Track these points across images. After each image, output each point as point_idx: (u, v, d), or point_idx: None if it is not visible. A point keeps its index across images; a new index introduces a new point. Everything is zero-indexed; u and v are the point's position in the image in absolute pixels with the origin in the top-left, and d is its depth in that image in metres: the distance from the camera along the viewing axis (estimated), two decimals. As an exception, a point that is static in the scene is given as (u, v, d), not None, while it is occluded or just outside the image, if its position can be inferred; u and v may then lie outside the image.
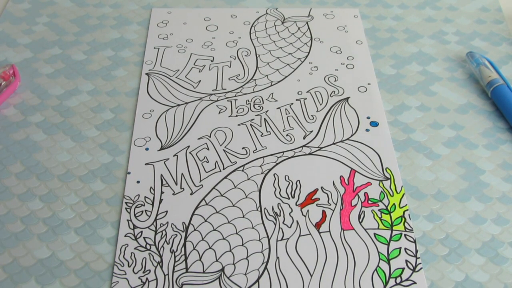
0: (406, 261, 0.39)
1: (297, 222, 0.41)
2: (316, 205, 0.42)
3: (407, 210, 0.42)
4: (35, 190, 0.43)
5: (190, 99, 0.50)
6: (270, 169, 0.45)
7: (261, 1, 0.60)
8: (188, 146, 0.46)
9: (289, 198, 0.43)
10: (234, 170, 0.44)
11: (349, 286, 0.38)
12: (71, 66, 0.53)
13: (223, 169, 0.45)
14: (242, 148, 0.46)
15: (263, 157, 0.45)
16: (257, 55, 0.54)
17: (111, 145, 0.46)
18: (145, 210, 0.42)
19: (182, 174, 0.44)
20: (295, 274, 0.38)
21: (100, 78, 0.52)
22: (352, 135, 0.47)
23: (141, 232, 0.41)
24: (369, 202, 0.43)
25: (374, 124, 0.48)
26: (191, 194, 0.43)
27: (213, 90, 0.51)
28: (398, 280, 0.38)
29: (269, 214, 0.42)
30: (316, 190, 0.43)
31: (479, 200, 0.43)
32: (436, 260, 0.40)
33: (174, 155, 0.46)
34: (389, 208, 0.42)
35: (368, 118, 0.48)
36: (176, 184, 0.44)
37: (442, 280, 0.38)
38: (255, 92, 0.51)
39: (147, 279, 0.38)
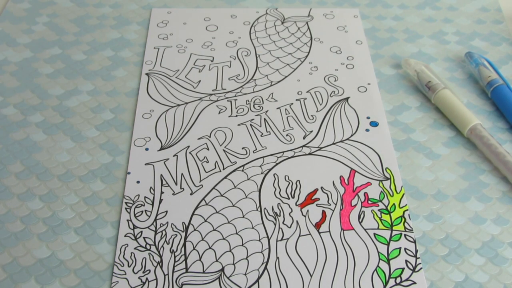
0: (406, 261, 0.39)
1: (297, 222, 0.41)
2: (316, 205, 0.42)
3: (407, 210, 0.42)
4: (35, 190, 0.43)
5: (190, 99, 0.50)
6: (270, 169, 0.45)
7: (261, 1, 0.60)
8: (188, 146, 0.46)
9: (289, 198, 0.43)
10: (234, 170, 0.44)
11: (349, 286, 0.38)
12: (71, 66, 0.53)
13: (223, 169, 0.45)
14: (242, 148, 0.46)
15: (263, 157, 0.45)
16: (257, 55, 0.54)
17: (111, 145, 0.46)
18: (145, 210, 0.42)
19: (182, 174, 0.44)
20: (295, 274, 0.38)
21: (100, 78, 0.52)
22: (352, 135, 0.47)
23: (141, 232, 0.41)
24: (369, 202, 0.43)
25: (374, 124, 0.48)
26: (191, 194, 0.43)
27: (213, 90, 0.51)
28: (398, 280, 0.38)
29: (269, 214, 0.42)
30: (316, 190, 0.43)
31: (479, 200, 0.43)
32: (436, 260, 0.40)
33: (174, 155, 0.46)
34: (389, 208, 0.42)
35: (368, 118, 0.48)
36: (176, 184, 0.44)
37: (442, 280, 0.38)
38: (255, 92, 0.51)
39: (147, 279, 0.38)
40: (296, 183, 0.44)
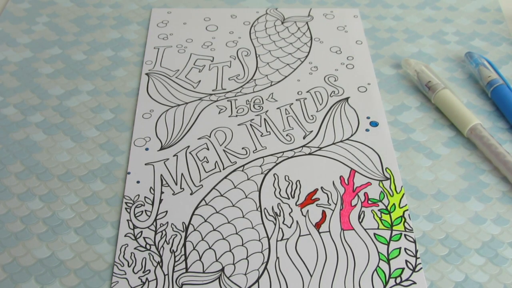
0: (406, 261, 0.39)
1: (297, 222, 0.41)
2: (316, 205, 0.42)
3: (407, 210, 0.42)
4: (35, 190, 0.43)
5: (190, 99, 0.50)
6: (270, 169, 0.45)
7: (261, 1, 0.60)
8: (188, 146, 0.46)
9: (289, 198, 0.43)
10: (234, 170, 0.44)
11: (349, 286, 0.38)
12: (71, 66, 0.53)
13: (223, 169, 0.45)
14: (242, 148, 0.46)
15: (263, 157, 0.45)
16: (257, 55, 0.54)
17: (111, 145, 0.46)
18: (145, 210, 0.42)
19: (182, 174, 0.44)
20: (295, 274, 0.38)
21: (100, 78, 0.52)
22: (352, 135, 0.47)
23: (141, 232, 0.41)
24: (369, 202, 0.43)
25: (374, 124, 0.48)
26: (191, 194, 0.43)
27: (213, 90, 0.51)
28: (398, 280, 0.38)
29: (269, 214, 0.42)
30: (316, 190, 0.43)
31: (479, 200, 0.43)
32: (436, 260, 0.40)
33: (174, 155, 0.46)
34: (389, 208, 0.42)
35: (368, 118, 0.48)
36: (176, 184, 0.44)
37: (442, 280, 0.38)
38: (255, 92, 0.51)
39: (147, 279, 0.38)
40: (296, 183, 0.44)
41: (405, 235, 0.41)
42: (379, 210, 0.42)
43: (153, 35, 0.56)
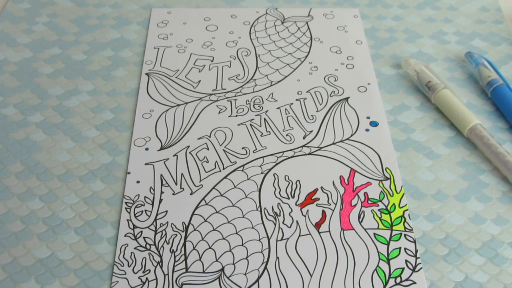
0: (406, 261, 0.39)
1: (297, 222, 0.41)
2: (316, 205, 0.42)
3: (407, 210, 0.42)
4: (35, 190, 0.43)
5: (190, 99, 0.50)
6: (270, 169, 0.45)
7: (261, 1, 0.60)
8: (188, 146, 0.46)
9: (289, 198, 0.43)
10: (234, 170, 0.44)
11: (349, 286, 0.38)
12: (71, 66, 0.53)
13: (223, 169, 0.45)
14: (242, 148, 0.46)
15: (263, 157, 0.45)
16: (257, 55, 0.54)
17: (111, 145, 0.46)
18: (145, 210, 0.42)
19: (182, 174, 0.44)
20: (295, 274, 0.38)
21: (100, 78, 0.52)
22: (352, 135, 0.47)
23: (141, 232, 0.41)
24: (369, 202, 0.43)
25: (374, 124, 0.48)
26: (191, 194, 0.43)
27: (213, 90, 0.51)
28: (398, 280, 0.38)
29: (269, 214, 0.42)
30: (316, 190, 0.43)
31: (479, 200, 0.43)
32: (436, 260, 0.40)
33: (174, 155, 0.46)
34: (389, 208, 0.42)
35: (368, 118, 0.48)
36: (176, 184, 0.44)
37: (442, 280, 0.38)
38: (255, 92, 0.51)
39: (147, 279, 0.38)
40: (296, 183, 0.44)
41: (405, 235, 0.41)
42: (379, 210, 0.42)
43: (153, 35, 0.56)
